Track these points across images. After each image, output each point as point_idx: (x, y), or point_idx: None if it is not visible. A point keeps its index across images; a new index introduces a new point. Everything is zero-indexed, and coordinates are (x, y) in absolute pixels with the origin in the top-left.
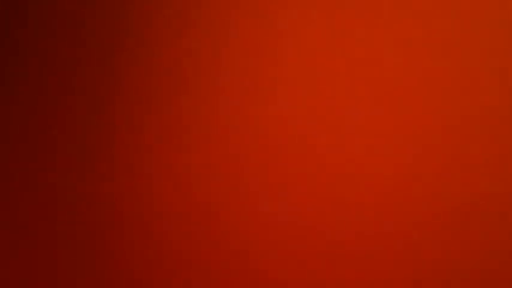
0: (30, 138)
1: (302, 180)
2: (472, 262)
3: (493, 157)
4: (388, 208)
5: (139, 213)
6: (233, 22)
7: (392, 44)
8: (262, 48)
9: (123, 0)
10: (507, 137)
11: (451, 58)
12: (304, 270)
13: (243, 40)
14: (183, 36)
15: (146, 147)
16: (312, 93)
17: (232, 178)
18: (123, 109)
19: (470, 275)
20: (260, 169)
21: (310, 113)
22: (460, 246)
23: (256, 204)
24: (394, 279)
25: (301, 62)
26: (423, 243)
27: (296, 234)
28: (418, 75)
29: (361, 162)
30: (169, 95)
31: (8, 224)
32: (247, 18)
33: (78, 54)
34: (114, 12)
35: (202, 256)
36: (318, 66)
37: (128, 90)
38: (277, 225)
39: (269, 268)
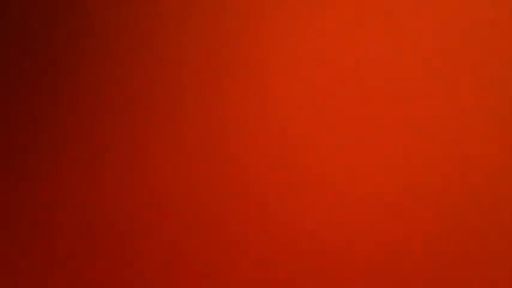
0: (30, 137)
1: (303, 179)
2: (472, 262)
3: (493, 157)
4: (389, 208)
5: (139, 214)
6: (230, 21)
7: (393, 43)
8: (262, 48)
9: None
10: (507, 137)
11: (453, 58)
12: (307, 270)
13: (241, 39)
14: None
15: (145, 146)
16: (311, 93)
17: (233, 178)
18: (123, 109)
19: (470, 275)
20: (259, 168)
21: (310, 114)
22: (460, 247)
23: (256, 203)
24: (394, 279)
25: (301, 62)
26: (426, 244)
27: (297, 235)
28: (419, 75)
29: (360, 162)
30: (172, 96)
31: (6, 225)
32: (247, 16)
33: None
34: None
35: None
36: (317, 65)
37: (132, 90)
38: (277, 226)
39: (274, 269)
